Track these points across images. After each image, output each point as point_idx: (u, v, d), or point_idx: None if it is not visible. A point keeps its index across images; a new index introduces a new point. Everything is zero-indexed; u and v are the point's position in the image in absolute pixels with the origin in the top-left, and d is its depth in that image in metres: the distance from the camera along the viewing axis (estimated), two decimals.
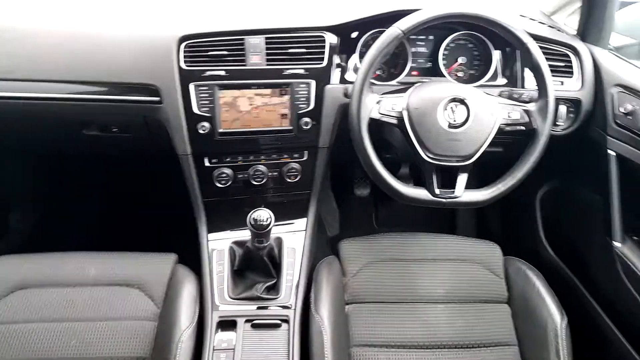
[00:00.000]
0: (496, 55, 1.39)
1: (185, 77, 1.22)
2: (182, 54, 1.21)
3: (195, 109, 1.23)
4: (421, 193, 1.16)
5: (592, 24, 1.40)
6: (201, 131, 1.24)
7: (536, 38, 1.16)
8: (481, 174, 1.21)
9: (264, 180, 1.36)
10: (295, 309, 1.23)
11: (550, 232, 1.68)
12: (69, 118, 1.33)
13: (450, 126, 1.12)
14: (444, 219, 2.14)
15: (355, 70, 1.33)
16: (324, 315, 1.15)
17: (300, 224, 1.44)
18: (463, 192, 1.16)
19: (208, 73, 1.22)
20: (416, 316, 1.24)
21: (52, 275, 1.22)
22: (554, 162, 1.29)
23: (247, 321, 1.18)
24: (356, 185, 2.19)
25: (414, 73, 1.41)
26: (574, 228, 1.54)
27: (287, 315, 1.20)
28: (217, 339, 1.15)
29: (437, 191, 1.15)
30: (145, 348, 1.11)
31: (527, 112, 1.17)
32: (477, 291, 1.30)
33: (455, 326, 1.23)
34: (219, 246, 1.35)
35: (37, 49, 1.22)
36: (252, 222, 1.14)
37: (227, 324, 1.18)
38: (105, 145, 1.51)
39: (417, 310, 1.25)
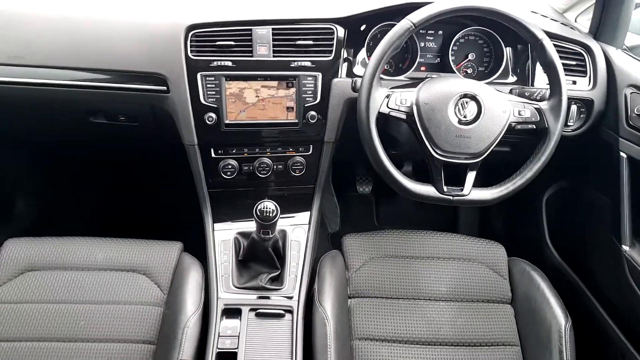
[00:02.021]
0: (507, 52, 1.37)
1: (193, 67, 1.22)
2: (189, 44, 1.21)
3: (202, 100, 1.23)
4: (429, 190, 1.15)
5: (606, 22, 1.38)
6: (208, 122, 1.24)
7: (549, 35, 1.14)
8: (486, 173, 1.20)
9: (269, 173, 1.36)
10: (298, 300, 1.24)
11: (555, 233, 1.66)
12: (76, 105, 1.33)
13: (461, 123, 1.11)
14: (446, 218, 2.13)
15: (363, 63, 1.32)
16: (327, 307, 1.16)
17: (304, 217, 1.44)
18: (471, 191, 1.15)
19: (215, 63, 1.22)
20: (418, 313, 1.24)
21: (61, 259, 1.24)
22: (562, 162, 1.27)
23: (251, 310, 1.19)
24: (358, 182, 2.19)
25: (422, 68, 1.40)
26: (581, 230, 1.53)
27: (290, 306, 1.21)
28: (222, 325, 1.16)
29: (445, 188, 1.14)
30: (152, 332, 1.14)
31: (538, 110, 1.15)
32: (480, 291, 1.29)
33: (457, 324, 1.23)
34: (224, 236, 1.35)
35: (44, 36, 1.22)
36: (259, 214, 1.14)
37: (232, 312, 1.19)
38: (112, 133, 1.51)
39: (420, 307, 1.25)
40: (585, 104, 1.35)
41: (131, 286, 1.21)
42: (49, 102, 1.31)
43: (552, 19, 1.44)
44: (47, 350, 1.09)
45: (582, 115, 1.36)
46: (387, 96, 1.13)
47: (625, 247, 1.27)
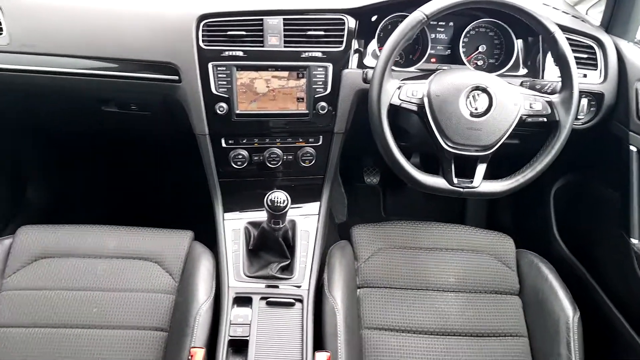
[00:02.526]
0: (518, 44, 1.36)
1: (204, 57, 1.22)
2: (200, 33, 1.22)
3: (213, 89, 1.24)
4: (439, 182, 1.15)
5: (618, 15, 1.37)
6: (219, 112, 1.25)
7: (560, 28, 1.14)
8: (493, 165, 1.21)
9: (279, 163, 1.36)
10: (308, 289, 1.24)
11: (563, 226, 1.66)
12: (88, 94, 1.34)
13: (472, 115, 1.11)
14: (453, 209, 2.13)
15: (374, 55, 1.32)
16: (337, 296, 1.17)
17: (313, 207, 1.44)
18: (481, 183, 1.15)
19: (226, 53, 1.22)
20: (427, 303, 1.25)
21: (73, 246, 1.25)
22: (571, 155, 1.27)
23: (262, 298, 1.20)
24: (366, 173, 2.19)
25: (433, 60, 1.39)
26: (589, 224, 1.53)
27: (300, 295, 1.22)
28: (233, 313, 1.17)
29: (455, 180, 1.14)
30: (164, 319, 1.15)
31: (549, 103, 1.15)
32: (488, 282, 1.30)
33: (465, 315, 1.24)
34: (234, 226, 1.36)
35: (57, 24, 1.23)
36: (270, 204, 1.15)
37: (243, 300, 1.20)
38: (124, 122, 1.52)
39: (428, 297, 1.26)
40: (595, 97, 1.35)
41: (143, 274, 1.22)
42: (62, 91, 1.31)
43: (563, 12, 1.43)
44: (61, 337, 1.11)
45: (592, 109, 1.36)
46: (399, 88, 1.13)
47: (634, 241, 1.27)
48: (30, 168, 1.81)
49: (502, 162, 1.30)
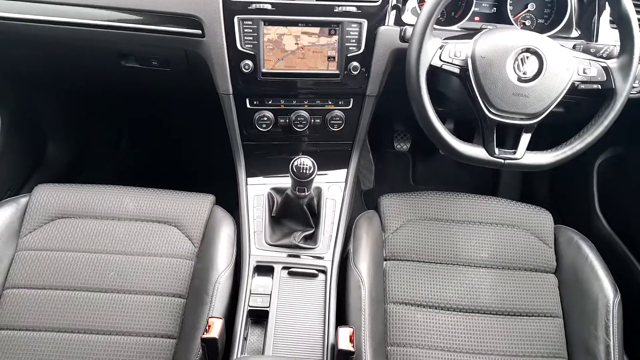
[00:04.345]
0: (572, 2, 1.25)
1: (230, 9, 1.15)
2: None
3: (238, 46, 1.17)
4: (479, 152, 1.08)
5: None
6: (244, 70, 1.18)
7: None
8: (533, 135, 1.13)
9: (306, 127, 1.30)
10: (332, 260, 1.21)
11: (606, 203, 1.58)
12: (108, 47, 1.28)
13: (520, 80, 1.03)
14: (485, 180, 2.06)
15: (414, 12, 1.23)
16: (362, 269, 1.14)
17: (340, 175, 1.39)
18: (524, 154, 1.07)
19: (253, 6, 1.15)
20: (456, 279, 1.20)
21: (91, 207, 1.22)
22: (619, 127, 1.17)
23: (284, 268, 1.17)
24: (396, 139, 2.13)
25: (477, 19, 1.31)
26: (635, 201, 1.44)
27: (324, 266, 1.18)
28: (254, 283, 1.14)
29: (497, 151, 1.07)
30: (182, 286, 1.12)
31: (605, 69, 1.06)
32: (524, 258, 1.24)
33: (497, 292, 1.19)
34: (257, 191, 1.32)
35: None
36: (295, 170, 1.10)
37: (264, 269, 1.17)
38: (144, 79, 1.47)
39: (458, 272, 1.21)
40: None
41: (162, 238, 1.19)
42: (81, 43, 1.26)
43: None
44: (77, 299, 1.09)
45: None
46: (441, 47, 1.04)
47: None
48: (50, 125, 1.77)
49: (542, 132, 1.21)
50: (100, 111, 1.98)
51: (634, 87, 1.23)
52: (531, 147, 1.10)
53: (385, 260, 1.22)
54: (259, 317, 1.09)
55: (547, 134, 1.14)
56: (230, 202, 1.32)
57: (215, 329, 0.93)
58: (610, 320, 1.08)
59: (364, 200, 1.99)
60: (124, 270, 1.13)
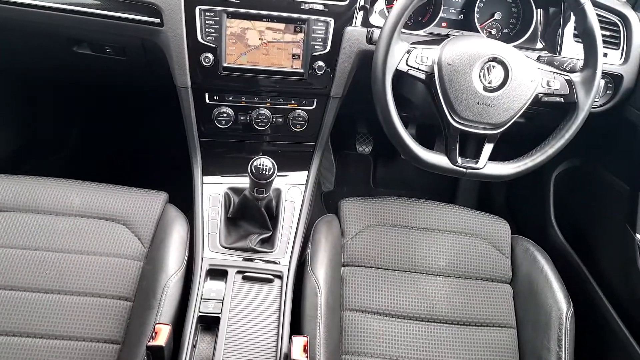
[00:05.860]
0: (538, 14, 1.26)
1: None
2: None
3: (199, 37, 1.12)
4: (441, 160, 1.06)
5: None
6: (204, 63, 1.14)
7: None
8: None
9: (267, 126, 1.26)
10: (289, 265, 1.17)
11: (561, 214, 1.61)
12: (60, 32, 1.21)
13: (485, 89, 1.02)
14: (444, 186, 2.07)
15: (382, 13, 1.21)
16: (319, 275, 1.11)
17: (301, 177, 1.35)
18: (486, 164, 1.07)
19: None
20: (414, 287, 1.19)
21: (34, 200, 1.15)
22: (577, 139, 1.19)
23: (238, 272, 1.12)
24: (358, 141, 2.11)
25: (443, 24, 1.30)
26: (590, 214, 1.47)
27: (280, 271, 1.14)
28: (205, 287, 1.09)
29: (459, 160, 1.05)
30: (129, 288, 1.07)
31: (569, 82, 1.06)
32: (480, 268, 1.24)
33: (453, 301, 1.18)
34: (214, 190, 1.27)
35: None
36: (254, 171, 1.06)
37: (217, 273, 1.12)
38: (98, 67, 1.40)
39: (415, 280, 1.20)
40: (613, 79, 1.27)
41: (109, 236, 1.13)
42: (30, 27, 1.18)
43: None
44: (13, 300, 1.01)
45: (608, 92, 1.28)
46: (408, 52, 1.02)
47: None
48: None
49: (503, 141, 1.21)
50: (52, 99, 1.87)
51: (595, 102, 1.26)
52: (491, 157, 1.10)
53: (344, 265, 1.20)
54: (209, 324, 1.04)
55: (506, 144, 1.13)
56: (184, 201, 1.27)
57: (162, 336, 0.88)
58: (562, 333, 1.09)
59: (323, 202, 1.96)
60: (66, 269, 1.06)
